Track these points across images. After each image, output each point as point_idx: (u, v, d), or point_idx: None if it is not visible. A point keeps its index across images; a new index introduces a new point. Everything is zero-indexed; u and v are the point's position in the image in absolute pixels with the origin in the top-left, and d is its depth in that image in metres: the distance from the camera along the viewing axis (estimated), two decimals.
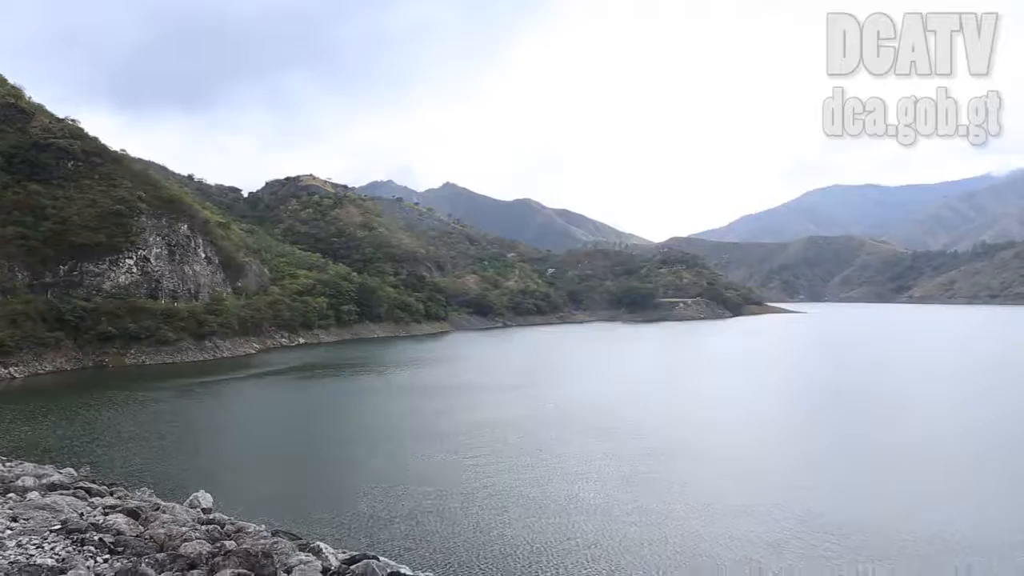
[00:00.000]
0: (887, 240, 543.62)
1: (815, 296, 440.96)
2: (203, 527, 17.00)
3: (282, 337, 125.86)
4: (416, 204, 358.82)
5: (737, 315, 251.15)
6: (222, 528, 19.28)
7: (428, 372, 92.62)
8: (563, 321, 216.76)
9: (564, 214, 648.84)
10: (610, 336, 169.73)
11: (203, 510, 20.38)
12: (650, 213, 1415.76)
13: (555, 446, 47.56)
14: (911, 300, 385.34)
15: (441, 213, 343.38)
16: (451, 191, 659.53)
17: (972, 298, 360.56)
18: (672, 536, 30.78)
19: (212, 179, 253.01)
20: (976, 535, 30.82)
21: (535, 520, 32.51)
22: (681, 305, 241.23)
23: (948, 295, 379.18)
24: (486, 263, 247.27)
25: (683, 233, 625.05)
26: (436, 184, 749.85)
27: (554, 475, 40.33)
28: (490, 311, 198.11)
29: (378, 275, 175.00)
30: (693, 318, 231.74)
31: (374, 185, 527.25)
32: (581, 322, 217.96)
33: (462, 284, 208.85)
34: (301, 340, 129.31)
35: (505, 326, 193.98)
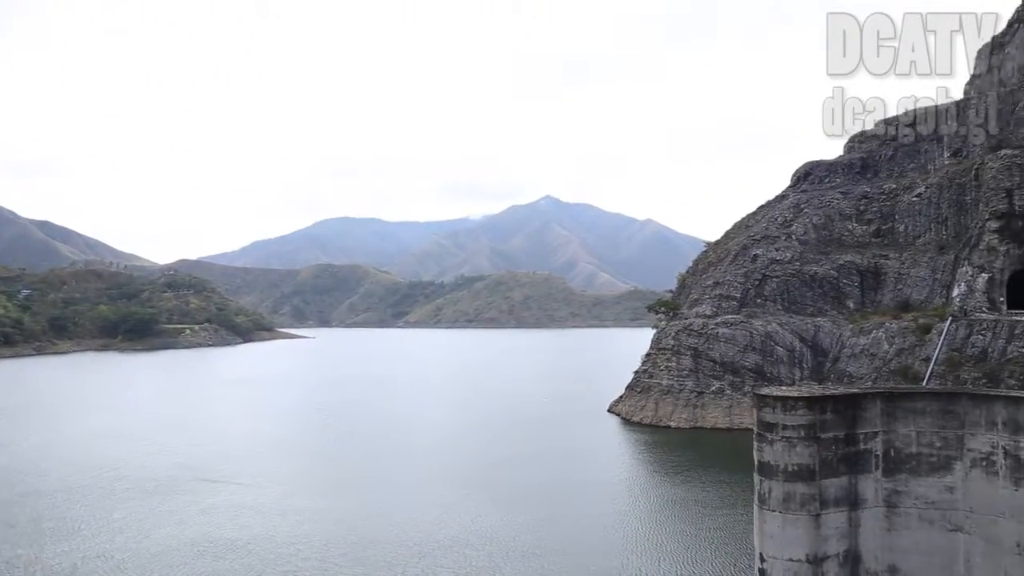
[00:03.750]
0: (388, 270, 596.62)
1: (324, 321, 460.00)
2: None
3: None
4: None
5: (248, 341, 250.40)
6: None
7: None
8: (41, 352, 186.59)
9: (46, 226, 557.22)
10: (94, 370, 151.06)
11: None
12: (156, 233, 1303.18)
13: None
14: (407, 325, 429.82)
15: None
16: None
17: (455, 322, 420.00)
18: None
19: None
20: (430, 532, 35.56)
21: None
22: (188, 332, 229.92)
23: (436, 320, 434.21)
24: None
25: (192, 256, 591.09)
26: None
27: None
28: None
29: None
30: (201, 345, 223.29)
31: None
32: (66, 352, 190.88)
33: None
34: None
35: None
